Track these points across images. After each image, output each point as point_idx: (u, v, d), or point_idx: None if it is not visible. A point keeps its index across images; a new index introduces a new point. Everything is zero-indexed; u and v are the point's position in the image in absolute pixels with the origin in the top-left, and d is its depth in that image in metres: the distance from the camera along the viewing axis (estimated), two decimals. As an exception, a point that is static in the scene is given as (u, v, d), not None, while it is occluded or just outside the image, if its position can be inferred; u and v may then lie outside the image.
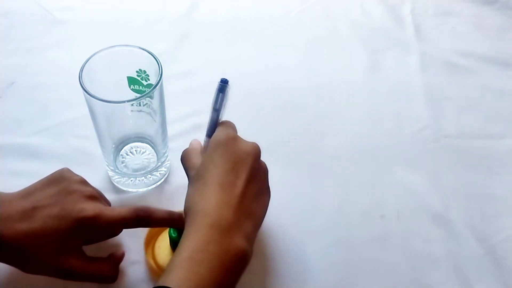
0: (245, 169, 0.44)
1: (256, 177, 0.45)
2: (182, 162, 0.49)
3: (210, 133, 0.49)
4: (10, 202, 0.46)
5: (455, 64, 0.74)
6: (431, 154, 0.64)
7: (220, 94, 0.48)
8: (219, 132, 0.48)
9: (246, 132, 0.65)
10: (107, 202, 0.52)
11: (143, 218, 0.47)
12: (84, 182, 0.50)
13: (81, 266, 0.46)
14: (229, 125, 0.49)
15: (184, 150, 0.50)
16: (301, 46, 0.76)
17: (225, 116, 0.51)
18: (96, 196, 0.49)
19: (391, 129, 0.66)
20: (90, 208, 0.46)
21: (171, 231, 0.51)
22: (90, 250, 0.48)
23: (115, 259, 0.50)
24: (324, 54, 0.75)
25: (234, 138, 0.47)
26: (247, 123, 0.66)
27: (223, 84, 0.48)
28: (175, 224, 0.49)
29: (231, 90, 0.49)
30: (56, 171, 0.50)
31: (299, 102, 0.69)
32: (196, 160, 0.47)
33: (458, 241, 0.56)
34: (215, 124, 0.49)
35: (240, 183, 0.43)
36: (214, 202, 0.42)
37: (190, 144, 0.51)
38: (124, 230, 0.49)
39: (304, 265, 0.54)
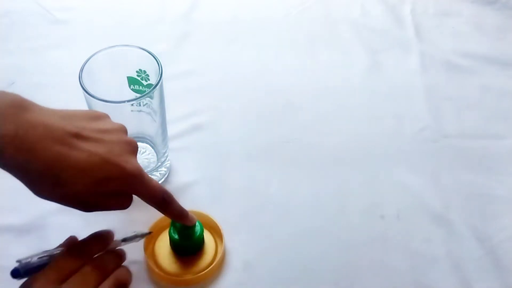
0: None
1: None
2: None
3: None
4: (49, 114, 0.41)
5: (455, 64, 0.74)
6: (431, 154, 0.64)
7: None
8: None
9: (246, 132, 0.65)
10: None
11: (164, 202, 0.46)
12: (126, 131, 0.46)
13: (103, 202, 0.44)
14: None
15: None
16: (301, 46, 0.76)
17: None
18: (136, 152, 0.46)
19: (391, 129, 0.66)
20: (135, 163, 0.43)
21: (171, 231, 0.52)
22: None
23: None
24: (324, 54, 0.75)
25: None
26: (247, 123, 0.66)
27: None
28: (183, 220, 0.49)
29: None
30: (93, 110, 0.46)
31: (299, 102, 0.69)
32: None
33: (458, 241, 0.56)
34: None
35: None
36: None
37: None
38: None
39: (304, 265, 0.54)
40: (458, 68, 0.74)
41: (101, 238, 0.46)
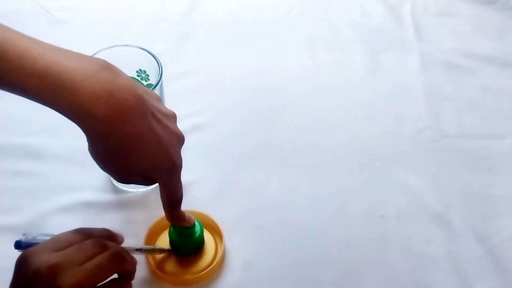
0: None
1: None
2: None
3: None
4: (135, 84, 0.41)
5: (455, 64, 0.74)
6: (431, 154, 0.64)
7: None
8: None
9: (246, 132, 0.65)
10: None
11: (178, 203, 0.47)
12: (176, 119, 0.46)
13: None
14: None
15: None
16: (301, 46, 0.76)
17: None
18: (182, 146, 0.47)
19: (391, 129, 0.66)
20: (181, 158, 0.45)
21: (171, 231, 0.52)
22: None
23: None
24: (324, 54, 0.75)
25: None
26: (247, 123, 0.66)
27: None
28: (181, 223, 0.49)
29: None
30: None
31: (299, 102, 0.69)
32: None
33: (458, 241, 0.56)
34: None
35: None
36: None
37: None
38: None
39: (304, 265, 0.54)
40: (458, 68, 0.74)
41: (108, 232, 0.47)
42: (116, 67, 0.41)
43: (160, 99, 0.44)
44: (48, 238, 0.44)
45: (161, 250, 0.52)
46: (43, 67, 0.37)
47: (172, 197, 0.46)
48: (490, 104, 0.70)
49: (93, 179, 0.52)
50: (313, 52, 0.75)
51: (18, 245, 0.43)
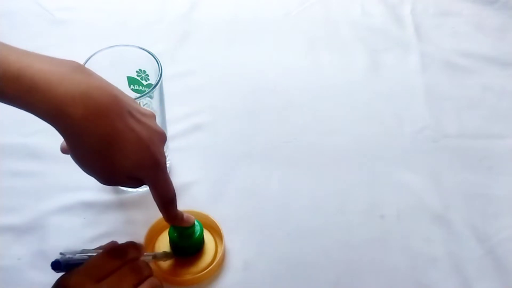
0: None
1: None
2: None
3: None
4: (110, 85, 0.41)
5: (455, 64, 0.74)
6: (431, 154, 0.64)
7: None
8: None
9: (246, 132, 0.65)
10: None
11: (171, 202, 0.46)
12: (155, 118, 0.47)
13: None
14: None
15: None
16: (301, 46, 0.76)
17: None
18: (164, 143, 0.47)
19: (391, 129, 0.66)
20: (164, 156, 0.45)
21: (171, 232, 0.52)
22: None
23: None
24: (324, 54, 0.75)
25: None
26: (247, 123, 0.66)
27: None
28: (179, 223, 0.49)
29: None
30: None
31: (299, 102, 0.69)
32: None
33: (458, 241, 0.56)
34: None
35: None
36: None
37: None
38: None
39: (304, 265, 0.54)
40: (458, 68, 0.74)
41: (137, 247, 0.47)
42: (89, 69, 0.41)
43: (135, 101, 0.44)
44: (86, 256, 0.43)
45: (172, 255, 0.52)
46: (17, 70, 0.37)
47: (163, 197, 0.46)
48: (490, 104, 0.70)
49: (93, 179, 0.52)
50: (313, 52, 0.75)
51: (57, 265, 0.42)
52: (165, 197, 0.46)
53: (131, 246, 0.46)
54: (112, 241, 0.47)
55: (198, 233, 0.51)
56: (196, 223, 0.51)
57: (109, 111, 0.39)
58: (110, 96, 0.40)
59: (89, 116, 0.38)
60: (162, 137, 0.45)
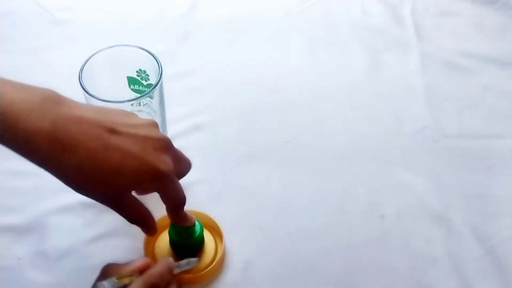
0: None
1: None
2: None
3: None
4: (85, 109, 0.40)
5: (455, 64, 0.74)
6: (431, 154, 0.64)
7: None
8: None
9: (246, 132, 0.65)
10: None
11: (182, 206, 0.45)
12: (157, 126, 0.45)
13: (132, 204, 0.44)
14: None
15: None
16: (301, 46, 0.76)
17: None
18: (169, 149, 0.44)
19: (391, 129, 0.66)
20: (168, 163, 0.42)
21: (171, 231, 0.52)
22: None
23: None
24: (324, 54, 0.75)
25: None
26: (247, 123, 0.66)
27: None
28: (184, 223, 0.49)
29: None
30: (122, 109, 0.44)
31: (299, 102, 0.69)
32: None
33: (458, 241, 0.56)
34: None
35: None
36: None
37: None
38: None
39: (304, 265, 0.54)
40: (458, 68, 0.74)
41: (170, 269, 0.45)
42: (63, 97, 0.40)
43: (126, 113, 0.43)
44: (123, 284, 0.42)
45: (195, 262, 0.51)
46: None
47: (173, 202, 0.45)
48: (490, 104, 0.70)
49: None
50: (313, 52, 0.75)
51: None
52: (175, 203, 0.45)
53: (165, 270, 0.44)
54: (145, 260, 0.45)
55: (198, 232, 0.51)
56: (196, 222, 0.51)
57: (77, 142, 0.38)
58: (80, 121, 0.38)
59: (56, 148, 0.37)
60: (161, 143, 0.43)
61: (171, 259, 0.46)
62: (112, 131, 0.40)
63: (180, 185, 0.45)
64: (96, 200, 0.42)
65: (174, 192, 0.44)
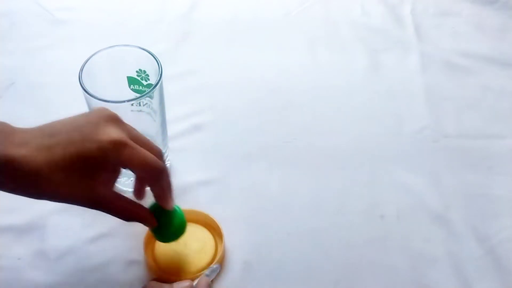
0: None
1: None
2: None
3: None
4: (25, 131, 0.43)
5: (455, 64, 0.74)
6: (431, 154, 0.64)
7: None
8: None
9: (246, 132, 0.65)
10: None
11: (162, 172, 0.43)
12: (111, 115, 0.43)
13: (113, 199, 0.43)
14: None
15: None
16: (301, 46, 0.76)
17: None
18: (117, 121, 0.43)
19: (391, 129, 0.66)
20: (113, 133, 0.41)
21: (156, 235, 0.50)
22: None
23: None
24: (324, 54, 0.75)
25: None
26: (247, 123, 0.66)
27: None
28: (167, 200, 0.47)
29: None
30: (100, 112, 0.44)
31: (299, 102, 0.69)
32: None
33: (458, 241, 0.56)
34: None
35: None
36: None
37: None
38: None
39: (304, 265, 0.54)
40: (458, 68, 0.74)
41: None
42: (14, 128, 0.43)
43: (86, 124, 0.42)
44: None
45: (217, 269, 0.51)
46: None
47: (145, 171, 0.42)
48: (490, 104, 0.70)
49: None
50: (313, 52, 0.75)
51: None
52: (148, 168, 0.42)
53: None
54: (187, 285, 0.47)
55: (178, 215, 0.49)
56: (175, 207, 0.49)
57: (28, 164, 0.40)
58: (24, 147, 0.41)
59: (17, 185, 0.42)
60: (104, 118, 0.41)
61: (208, 279, 0.48)
62: (52, 135, 0.42)
63: (144, 151, 0.42)
64: (78, 205, 0.43)
65: (137, 156, 0.41)
